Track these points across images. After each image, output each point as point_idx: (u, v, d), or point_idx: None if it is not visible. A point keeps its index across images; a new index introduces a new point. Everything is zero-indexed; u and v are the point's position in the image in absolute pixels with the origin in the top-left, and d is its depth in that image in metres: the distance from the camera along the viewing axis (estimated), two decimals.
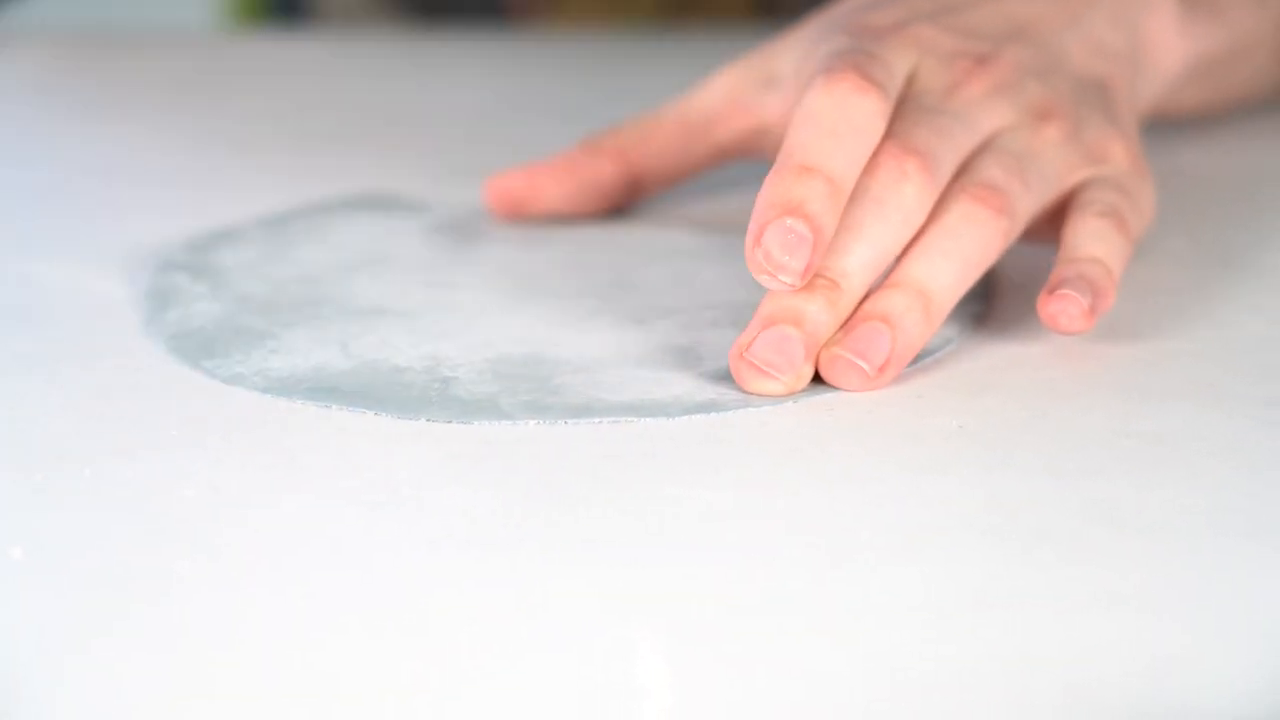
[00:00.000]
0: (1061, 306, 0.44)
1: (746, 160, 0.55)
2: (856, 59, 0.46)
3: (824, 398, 0.43)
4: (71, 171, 0.62)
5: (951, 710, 0.31)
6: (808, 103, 0.45)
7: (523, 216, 0.56)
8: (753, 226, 0.43)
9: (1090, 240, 0.47)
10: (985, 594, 0.35)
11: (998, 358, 0.45)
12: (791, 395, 0.43)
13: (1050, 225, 0.49)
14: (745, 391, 0.43)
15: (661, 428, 0.41)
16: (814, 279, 0.44)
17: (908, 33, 0.49)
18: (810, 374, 0.43)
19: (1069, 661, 0.32)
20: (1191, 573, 0.35)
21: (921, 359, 0.45)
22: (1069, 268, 0.46)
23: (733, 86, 0.54)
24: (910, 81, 0.48)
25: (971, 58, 0.49)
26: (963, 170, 0.47)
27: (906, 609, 0.34)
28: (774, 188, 0.43)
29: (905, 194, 0.45)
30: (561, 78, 0.78)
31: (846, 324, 0.44)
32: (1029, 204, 0.47)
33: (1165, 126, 0.62)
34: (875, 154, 0.45)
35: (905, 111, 0.47)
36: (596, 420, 0.42)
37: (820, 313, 0.43)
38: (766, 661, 0.32)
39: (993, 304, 0.48)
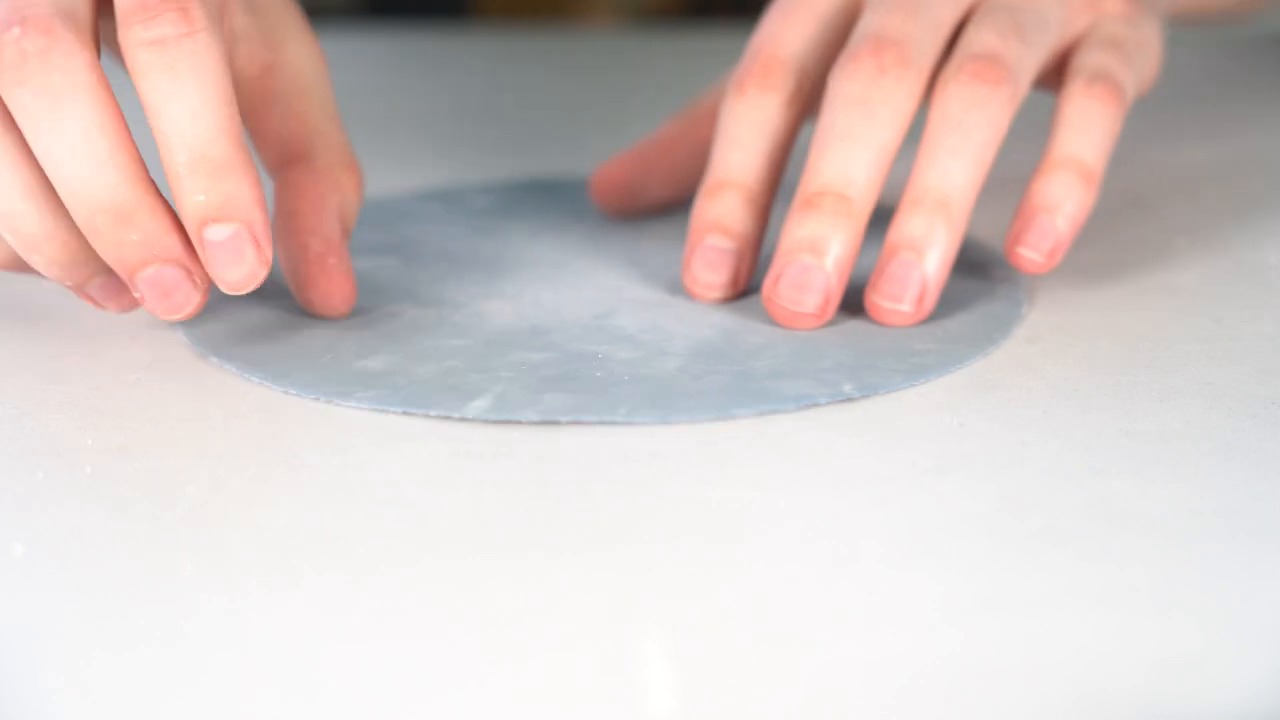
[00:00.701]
0: (1019, 264, 0.46)
1: None
2: (759, 62, 0.47)
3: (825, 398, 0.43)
4: None
5: (959, 711, 0.31)
6: (722, 114, 0.48)
7: (633, 206, 0.55)
8: (685, 256, 0.47)
9: (1072, 130, 0.46)
10: (992, 594, 0.34)
11: (999, 357, 0.45)
12: (823, 323, 0.45)
13: (1056, 76, 0.48)
14: (780, 325, 0.45)
15: (664, 427, 0.41)
16: (819, 196, 0.45)
17: None
18: (839, 296, 0.45)
19: (1076, 661, 0.32)
20: (1197, 573, 0.35)
21: (966, 362, 0.44)
22: (1041, 190, 0.46)
23: None
24: None
25: None
26: (956, 42, 0.47)
27: (913, 610, 0.34)
28: (695, 211, 0.47)
29: (887, 88, 0.45)
30: (545, 76, 0.78)
31: (878, 263, 0.45)
32: (1031, 61, 0.47)
33: (1167, 126, 0.62)
34: (850, 53, 0.46)
35: (873, 4, 0.47)
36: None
37: (835, 230, 0.44)
38: (774, 662, 0.32)
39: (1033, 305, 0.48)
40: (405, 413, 0.42)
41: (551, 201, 0.57)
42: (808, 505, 0.38)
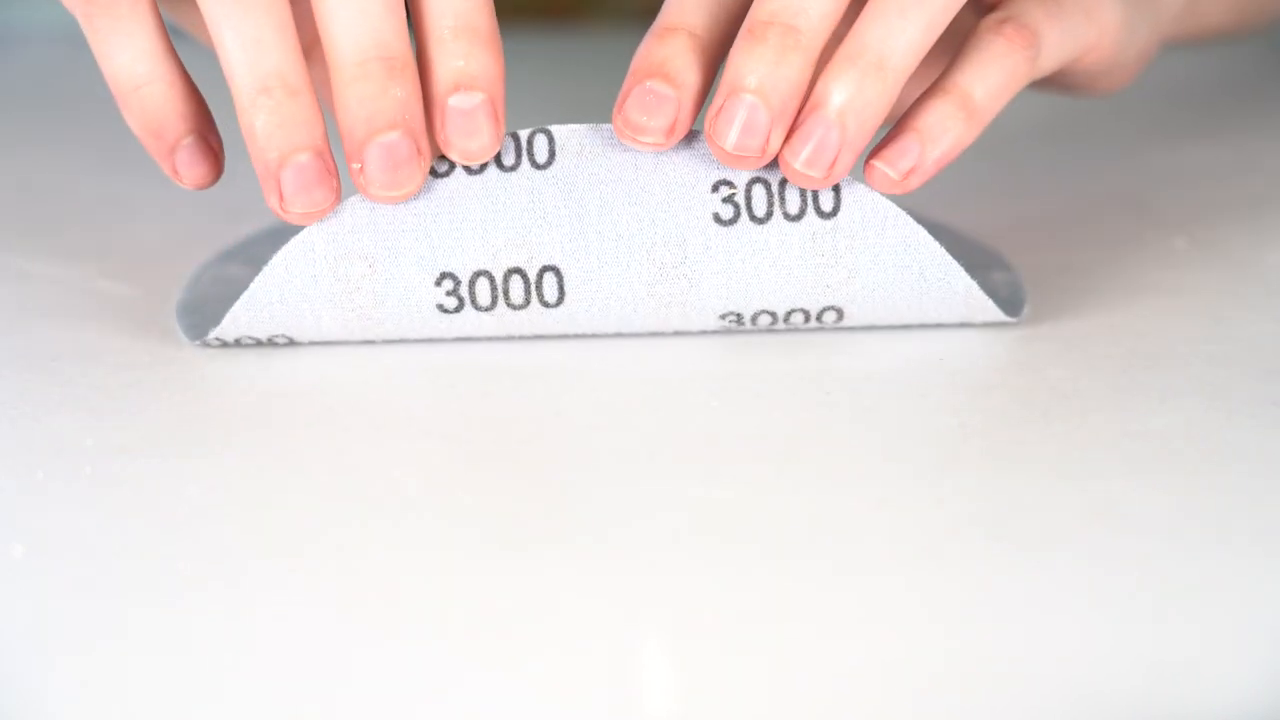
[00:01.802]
0: (872, 176, 0.44)
1: None
2: None
3: (825, 397, 0.43)
4: (74, 169, 0.62)
5: (959, 711, 0.31)
6: None
7: None
8: (620, 96, 0.43)
9: (968, 64, 0.44)
10: (991, 595, 0.34)
11: (998, 357, 0.45)
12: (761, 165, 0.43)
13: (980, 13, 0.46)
14: (728, 165, 0.43)
15: (665, 428, 0.41)
16: (767, 26, 0.42)
17: None
18: (780, 138, 0.42)
19: (1075, 662, 0.32)
20: (1197, 573, 0.35)
21: (966, 363, 0.44)
22: (920, 111, 0.44)
23: None
24: None
25: None
26: None
27: (912, 610, 0.34)
28: (639, 54, 0.43)
29: None
30: (544, 76, 0.78)
31: (799, 117, 0.42)
32: None
33: (1167, 127, 0.62)
34: None
35: None
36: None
37: (779, 66, 0.42)
38: (770, 662, 0.32)
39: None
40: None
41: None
42: (807, 505, 0.38)
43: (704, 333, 0.46)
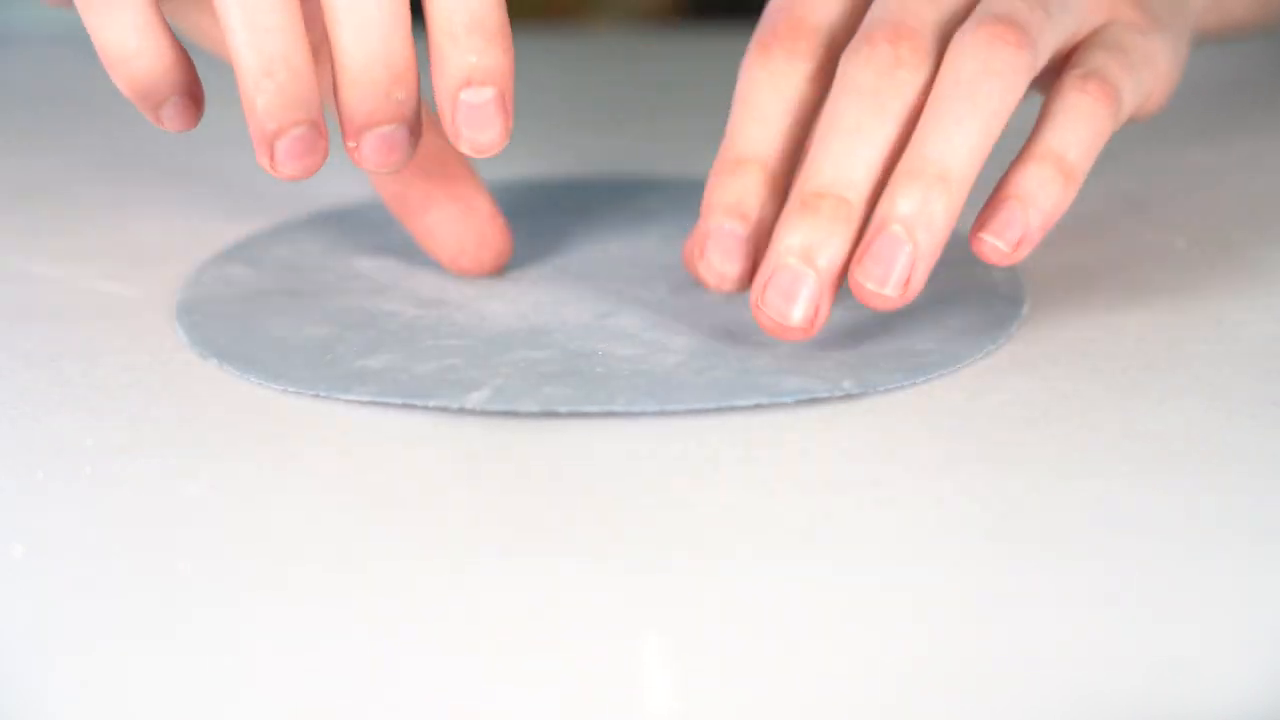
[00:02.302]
0: (983, 251, 0.43)
1: None
2: (786, 24, 0.44)
3: (826, 400, 0.43)
4: (74, 169, 0.62)
5: (958, 712, 0.31)
6: (742, 77, 0.45)
7: None
8: (698, 233, 0.44)
9: (1057, 126, 0.44)
10: (991, 595, 0.34)
11: (998, 358, 0.45)
12: (811, 336, 0.43)
13: (1055, 73, 0.46)
14: (763, 331, 0.43)
15: (665, 428, 0.41)
16: (819, 198, 0.42)
17: None
18: (829, 307, 0.43)
19: (1075, 662, 0.32)
20: (1197, 573, 0.35)
21: (966, 363, 0.44)
22: (1017, 179, 0.43)
23: None
24: None
25: None
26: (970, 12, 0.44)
27: (912, 611, 0.34)
28: (710, 189, 0.44)
29: (900, 81, 0.42)
30: (544, 76, 0.78)
31: (865, 237, 0.42)
32: (1052, 37, 0.44)
33: (1167, 127, 0.62)
34: (865, 36, 0.43)
35: None
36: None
37: (831, 237, 0.42)
38: (772, 664, 0.32)
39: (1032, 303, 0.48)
40: (405, 404, 0.42)
41: (552, 202, 0.57)
42: (807, 505, 0.38)
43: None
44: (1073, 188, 0.44)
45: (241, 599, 0.35)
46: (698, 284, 0.49)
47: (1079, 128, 0.44)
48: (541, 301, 0.49)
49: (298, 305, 0.48)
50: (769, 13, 0.46)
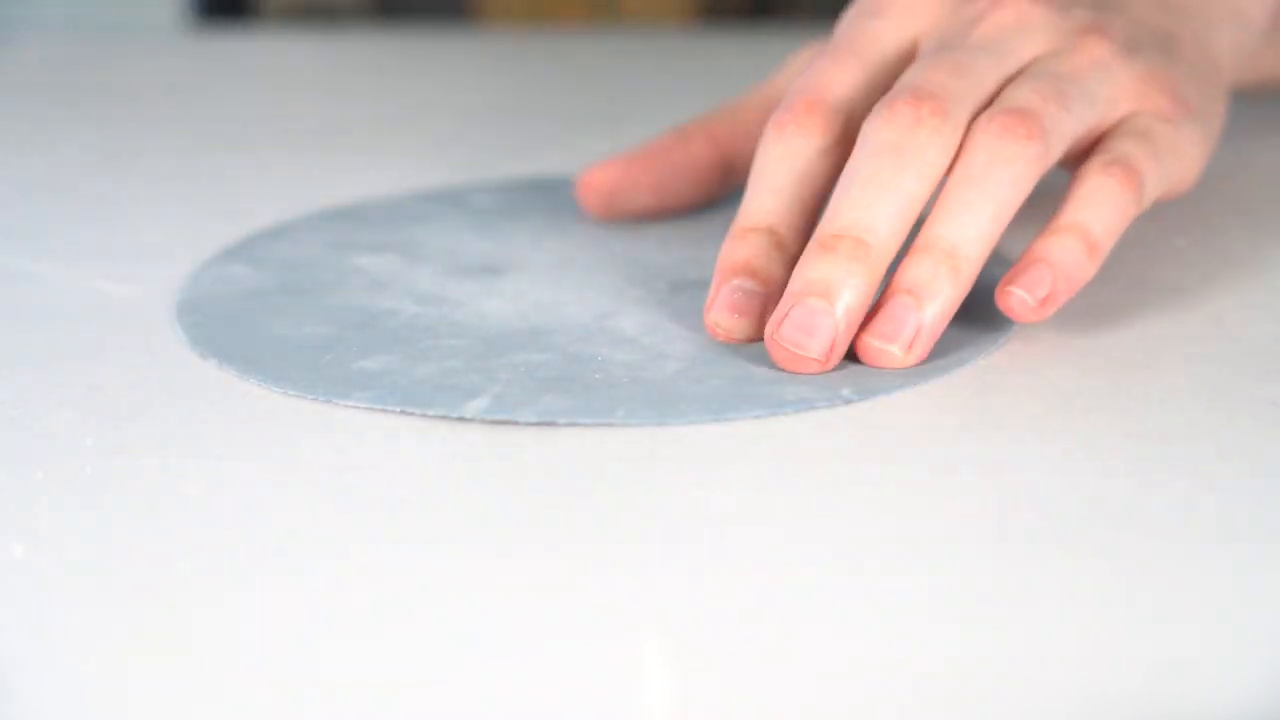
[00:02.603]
0: (1009, 304, 0.44)
1: None
2: (802, 103, 0.46)
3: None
4: (73, 169, 0.62)
5: (959, 712, 0.31)
6: (758, 154, 0.46)
7: (617, 211, 0.55)
8: (710, 292, 0.45)
9: (1082, 204, 0.45)
10: (991, 596, 0.34)
11: (998, 358, 0.45)
12: (826, 370, 0.43)
13: (1082, 158, 0.47)
14: (781, 368, 0.43)
15: (664, 429, 0.41)
16: (836, 239, 0.43)
17: None
18: (845, 345, 0.43)
19: (1075, 662, 0.32)
20: (1197, 574, 0.35)
21: (965, 363, 0.44)
22: (1043, 245, 0.44)
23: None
24: (920, 36, 0.47)
25: None
26: (992, 99, 0.45)
27: (913, 611, 0.34)
28: (722, 253, 0.45)
29: (921, 139, 0.44)
30: (544, 77, 0.78)
31: (878, 302, 0.44)
32: (1068, 127, 0.45)
33: None
34: (887, 99, 0.44)
35: (923, 55, 0.46)
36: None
37: (849, 276, 0.43)
38: (773, 665, 0.32)
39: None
40: (403, 412, 0.42)
41: (553, 202, 0.57)
42: (807, 506, 0.38)
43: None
44: (1096, 261, 0.45)
45: (241, 599, 0.35)
46: (696, 283, 0.49)
47: (1102, 208, 0.45)
48: (542, 301, 0.49)
49: (297, 303, 0.48)
50: (788, 93, 0.47)
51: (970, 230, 0.44)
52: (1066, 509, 0.38)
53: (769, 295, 0.45)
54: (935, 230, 0.44)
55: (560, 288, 0.50)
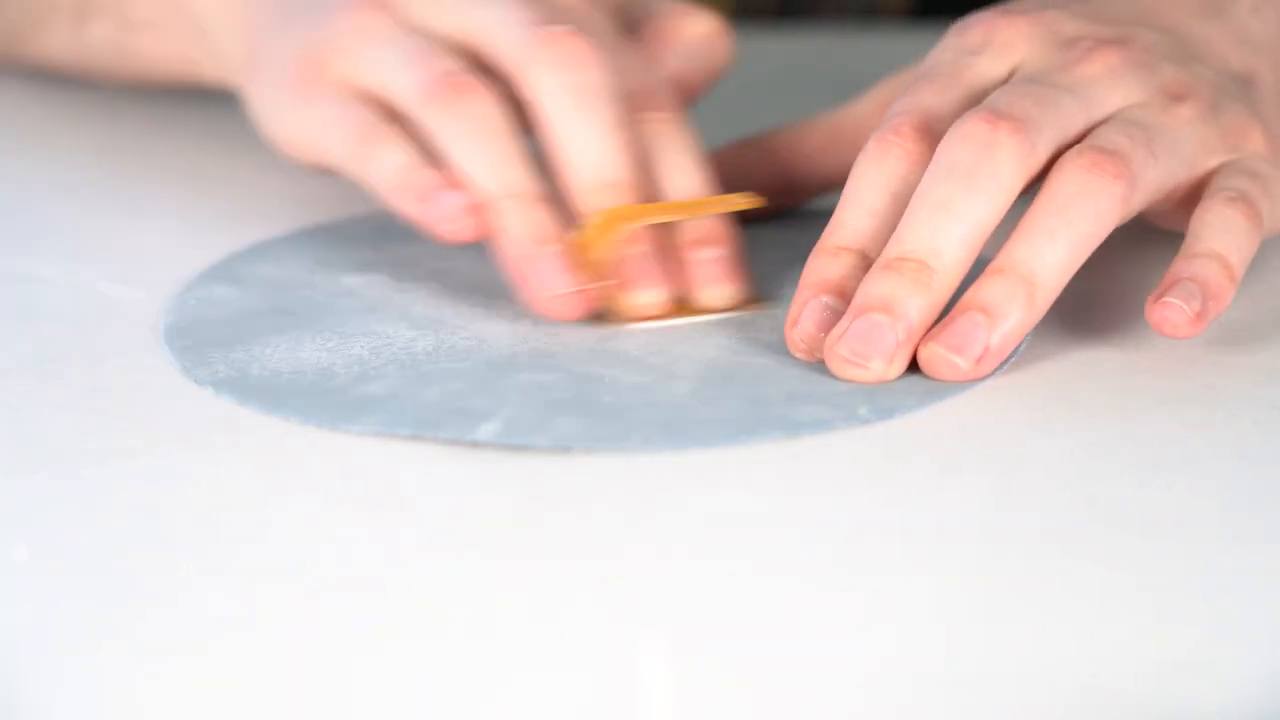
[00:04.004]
0: (1165, 315, 0.44)
1: None
2: (904, 125, 0.46)
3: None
4: (75, 171, 0.62)
5: (960, 713, 0.31)
6: (856, 172, 0.46)
7: None
8: (793, 307, 0.45)
9: (1213, 232, 0.45)
10: (992, 597, 0.34)
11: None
12: (884, 381, 0.43)
13: (1183, 210, 0.47)
14: (838, 378, 0.43)
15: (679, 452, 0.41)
16: (901, 262, 0.43)
17: (1029, 18, 0.48)
18: (906, 360, 0.43)
19: (1076, 663, 0.32)
20: (1198, 575, 0.35)
21: (964, 389, 0.43)
22: (1184, 266, 0.44)
23: (888, 97, 0.53)
24: (1017, 70, 0.47)
25: (1095, 39, 0.47)
26: (1080, 139, 0.45)
27: (914, 612, 0.34)
28: (811, 267, 0.45)
29: (997, 161, 0.43)
30: None
31: (947, 315, 0.43)
32: (1156, 174, 0.45)
33: None
34: (965, 119, 0.44)
35: (1006, 86, 0.46)
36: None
37: (911, 296, 0.43)
38: (776, 667, 0.32)
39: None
40: (414, 436, 0.42)
41: None
42: (808, 507, 0.38)
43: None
44: (1234, 285, 0.45)
45: (242, 601, 0.35)
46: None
47: (1232, 236, 0.45)
48: (539, 322, 0.48)
49: (290, 326, 0.47)
50: (893, 111, 0.47)
51: (1050, 259, 0.43)
52: (1067, 511, 0.38)
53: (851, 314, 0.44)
54: (1014, 254, 0.43)
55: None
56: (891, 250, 0.43)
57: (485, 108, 0.47)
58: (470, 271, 0.52)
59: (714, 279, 0.48)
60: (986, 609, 0.34)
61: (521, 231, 0.47)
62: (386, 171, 0.48)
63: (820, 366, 0.44)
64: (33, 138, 0.67)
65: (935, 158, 0.44)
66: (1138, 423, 0.41)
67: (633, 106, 0.49)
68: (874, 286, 0.43)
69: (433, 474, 0.40)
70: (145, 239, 0.55)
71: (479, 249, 0.54)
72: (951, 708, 0.31)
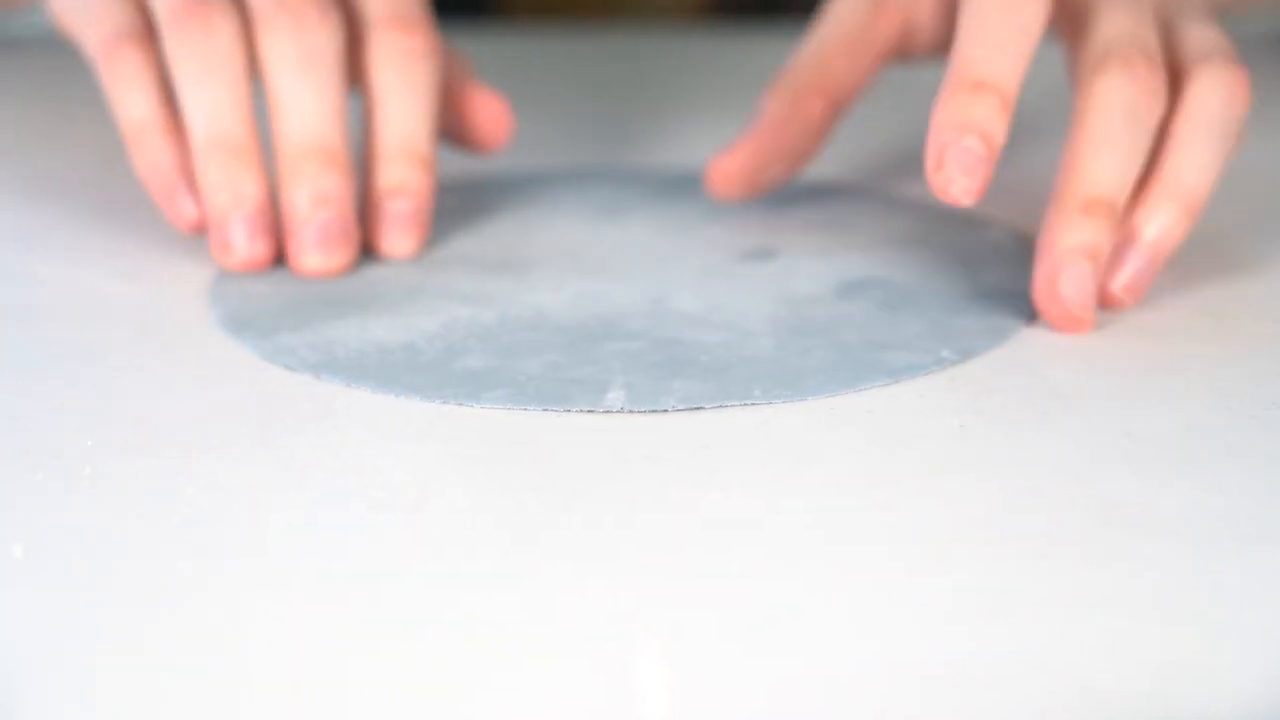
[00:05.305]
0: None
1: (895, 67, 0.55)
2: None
3: (825, 401, 0.43)
4: (77, 169, 0.62)
5: (962, 713, 0.31)
6: (974, 10, 0.47)
7: (755, 190, 0.55)
8: (932, 148, 0.45)
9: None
10: (993, 596, 0.34)
11: (999, 358, 0.45)
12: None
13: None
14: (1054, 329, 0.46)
15: (664, 429, 0.41)
16: (1097, 204, 0.45)
17: None
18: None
19: (1077, 663, 0.32)
20: (1199, 574, 0.35)
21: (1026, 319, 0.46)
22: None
23: None
24: None
25: None
26: (1180, 44, 0.49)
27: (914, 612, 0.34)
28: (949, 107, 0.45)
29: (1155, 105, 0.46)
30: (545, 73, 0.78)
31: (1117, 244, 0.47)
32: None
33: None
34: (1124, 56, 0.46)
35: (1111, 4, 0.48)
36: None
37: (1105, 241, 0.46)
38: (775, 666, 0.32)
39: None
40: (545, 410, 0.42)
41: (534, 196, 0.57)
42: (808, 507, 0.38)
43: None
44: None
45: (243, 600, 0.35)
46: (699, 265, 0.50)
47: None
48: (584, 292, 0.48)
49: (348, 312, 0.48)
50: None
51: (1207, 176, 0.47)
52: (1067, 510, 0.38)
53: (992, 160, 0.45)
54: (1179, 176, 0.47)
55: (588, 278, 0.49)
56: (1086, 188, 0.46)
57: (222, 41, 0.49)
58: (491, 248, 0.52)
59: (401, 229, 0.51)
60: (986, 609, 0.34)
61: (219, 190, 0.49)
62: (134, 120, 0.51)
63: (856, 311, 0.47)
64: (33, 138, 0.67)
65: (1106, 92, 0.46)
66: (1137, 421, 0.41)
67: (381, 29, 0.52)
68: (1080, 232, 0.45)
69: (432, 467, 0.40)
70: (148, 237, 0.55)
71: (490, 231, 0.54)
72: (949, 707, 0.31)
